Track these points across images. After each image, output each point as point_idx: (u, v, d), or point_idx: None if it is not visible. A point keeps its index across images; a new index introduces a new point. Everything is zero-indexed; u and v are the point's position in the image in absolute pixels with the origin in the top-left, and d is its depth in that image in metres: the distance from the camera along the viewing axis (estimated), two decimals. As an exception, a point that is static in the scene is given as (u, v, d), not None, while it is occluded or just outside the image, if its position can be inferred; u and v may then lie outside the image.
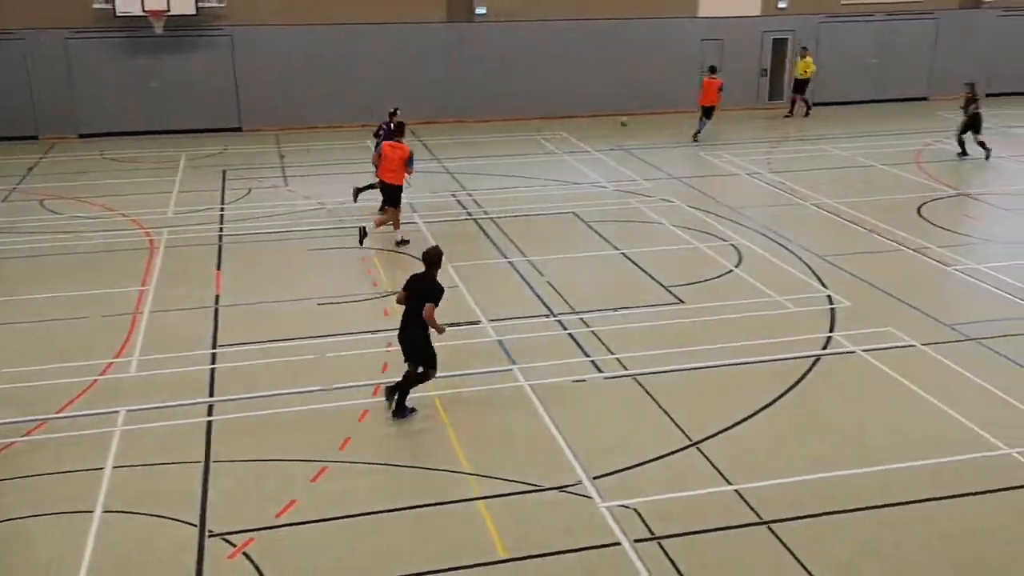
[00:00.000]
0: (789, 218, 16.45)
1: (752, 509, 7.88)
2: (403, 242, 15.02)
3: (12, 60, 22.75)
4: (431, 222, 16.24)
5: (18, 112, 23.08)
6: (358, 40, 24.31)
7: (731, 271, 13.73)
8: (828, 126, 24.66)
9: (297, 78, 24.00)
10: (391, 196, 15.01)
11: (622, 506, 7.93)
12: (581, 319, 11.93)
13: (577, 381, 10.28)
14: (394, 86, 24.73)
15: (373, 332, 11.54)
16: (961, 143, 20.91)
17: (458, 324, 11.72)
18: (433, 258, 9.34)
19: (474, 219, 16.50)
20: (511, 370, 10.51)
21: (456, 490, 8.23)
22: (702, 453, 8.77)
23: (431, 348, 9.36)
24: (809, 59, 25.54)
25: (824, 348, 11.05)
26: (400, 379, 9.44)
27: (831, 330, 11.57)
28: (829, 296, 12.66)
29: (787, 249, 14.62)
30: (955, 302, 12.57)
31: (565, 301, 12.55)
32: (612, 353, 10.93)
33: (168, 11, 22.48)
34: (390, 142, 15.05)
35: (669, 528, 7.63)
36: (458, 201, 17.65)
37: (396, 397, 9.41)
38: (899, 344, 11.11)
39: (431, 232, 15.61)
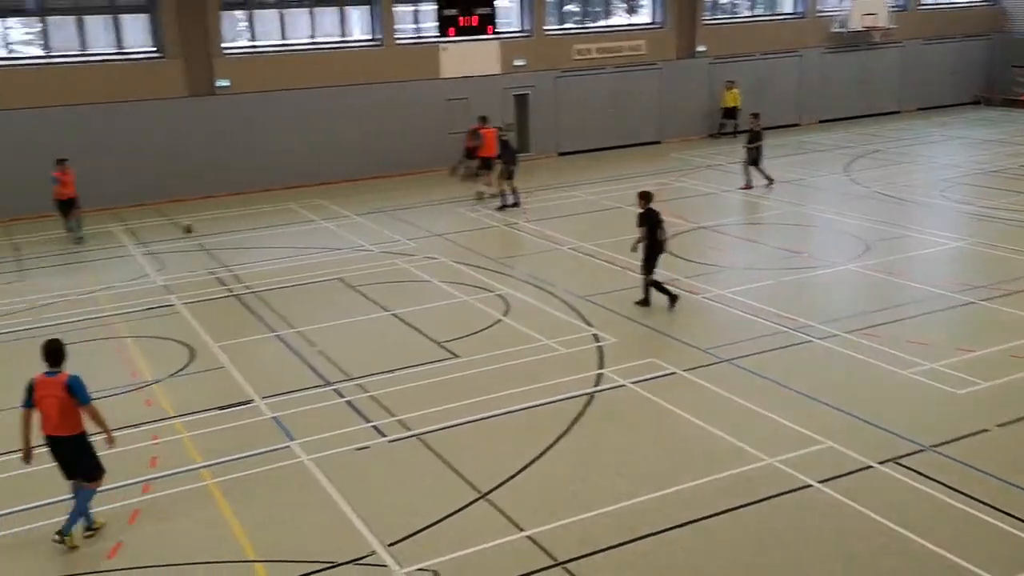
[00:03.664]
0: (549, 264, 17.14)
1: (546, 552, 8.02)
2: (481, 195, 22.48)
3: None
4: (190, 303, 15.53)
5: None
6: (92, 120, 23.00)
7: (500, 320, 14.07)
8: (575, 173, 26.04)
9: (24, 164, 22.24)
10: (488, 165, 22.58)
11: (420, 570, 7.83)
12: (359, 385, 11.78)
13: (360, 448, 10.10)
14: (136, 165, 23.59)
15: (136, 426, 10.79)
16: (748, 173, 22.56)
17: (227, 407, 11.24)
18: (648, 196, 14.12)
19: (236, 295, 15.94)
20: (289, 446, 10.17)
21: (244, 581, 7.82)
22: (492, 504, 8.85)
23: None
24: (736, 91, 29.99)
25: (596, 385, 11.53)
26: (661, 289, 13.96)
27: (600, 367, 12.09)
28: (595, 335, 13.26)
29: (551, 294, 15.21)
30: (706, 328, 13.53)
31: (340, 369, 12.35)
32: (393, 415, 10.85)
33: None
34: (485, 129, 22.86)
35: (468, 584, 7.62)
36: (218, 279, 17.00)
37: (669, 295, 14.01)
38: (663, 373, 11.79)
39: (191, 313, 14.92)
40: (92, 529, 8.59)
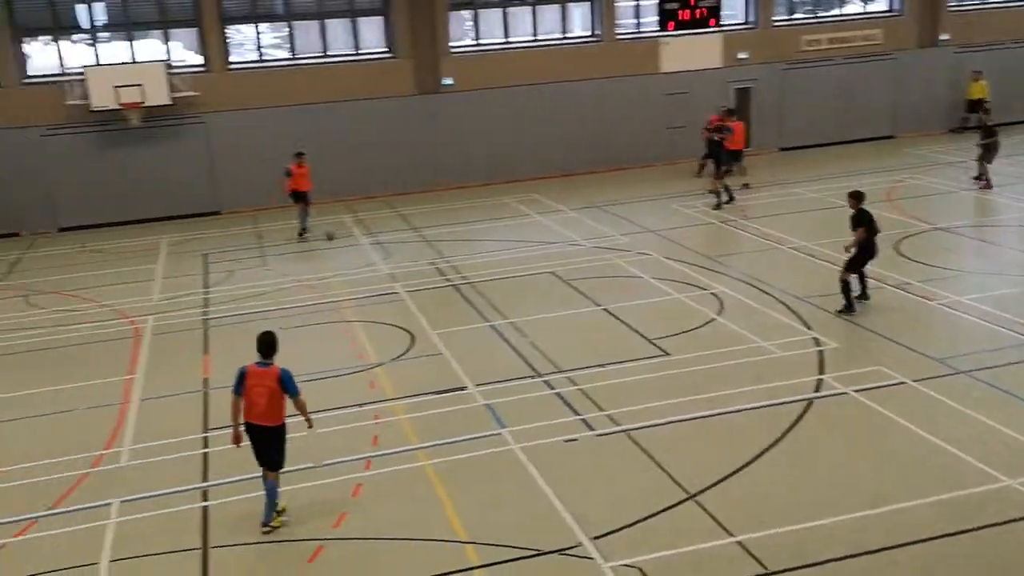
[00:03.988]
0: (767, 263, 16.59)
1: (756, 560, 7.80)
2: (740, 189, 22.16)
3: (-11, 159, 22.92)
4: (412, 291, 16.28)
5: (-2, 210, 23.20)
6: (330, 117, 24.59)
7: (714, 319, 13.79)
8: (798, 169, 25.01)
9: (272, 158, 24.12)
10: (737, 157, 22.35)
11: (625, 565, 7.83)
12: (568, 378, 11.91)
13: (569, 440, 10.22)
14: (366, 159, 24.98)
15: (360, 405, 11.48)
16: (986, 171, 21.04)
17: (443, 392, 11.70)
18: (860, 195, 13.74)
19: (454, 285, 16.55)
20: (500, 434, 10.45)
21: (455, 560, 8.12)
22: (700, 505, 8.71)
23: None
24: (983, 82, 28.31)
25: (815, 391, 11.06)
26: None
27: (821, 372, 11.59)
28: (815, 338, 12.71)
29: (768, 294, 14.72)
30: (941, 336, 12.64)
31: (550, 361, 12.54)
32: (602, 410, 10.90)
33: (143, 103, 22.75)
34: (733, 122, 22.16)
35: (673, 584, 7.54)
36: (437, 269, 17.72)
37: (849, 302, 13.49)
38: (890, 382, 11.13)
39: (412, 300, 15.63)
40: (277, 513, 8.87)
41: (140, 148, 23.70)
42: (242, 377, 8.68)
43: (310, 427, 9.02)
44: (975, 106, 28.32)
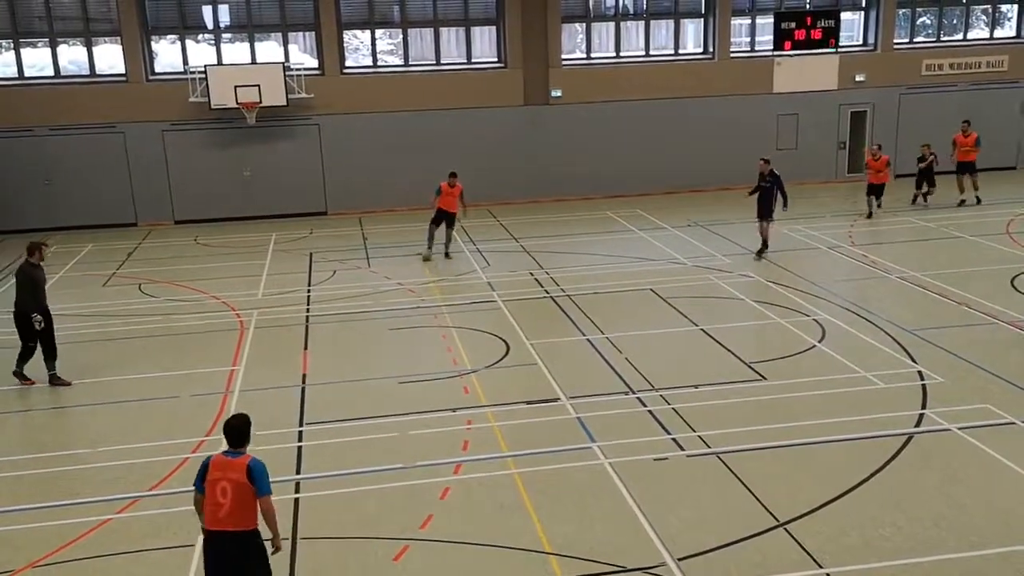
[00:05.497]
0: (874, 292, 16.12)
1: (845, 594, 7.59)
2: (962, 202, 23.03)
3: (113, 152, 24.10)
4: (509, 300, 16.40)
5: (119, 200, 24.37)
6: (437, 124, 25.03)
7: (814, 346, 13.46)
8: (909, 197, 24.18)
9: (379, 162, 24.75)
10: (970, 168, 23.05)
11: (708, 589, 7.72)
12: (661, 396, 11.81)
13: (659, 459, 10.13)
14: (472, 167, 25.21)
15: (453, 410, 11.61)
16: None
17: (535, 402, 11.73)
18: None
19: (551, 297, 16.59)
20: (591, 448, 10.43)
21: (538, 570, 8.13)
22: (790, 535, 8.51)
23: None
24: None
25: (917, 426, 10.69)
26: None
27: (924, 407, 11.19)
28: (920, 372, 12.29)
29: (872, 324, 14.29)
30: (1056, 377, 12.06)
31: (644, 378, 12.45)
32: (694, 431, 10.76)
33: (260, 103, 23.59)
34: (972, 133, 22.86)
35: (758, 613, 7.39)
36: (536, 279, 17.79)
37: None
38: (998, 422, 10.67)
39: (509, 310, 15.74)
40: None
41: (254, 147, 24.60)
42: (204, 470, 6.87)
43: (276, 549, 7.03)
44: None
